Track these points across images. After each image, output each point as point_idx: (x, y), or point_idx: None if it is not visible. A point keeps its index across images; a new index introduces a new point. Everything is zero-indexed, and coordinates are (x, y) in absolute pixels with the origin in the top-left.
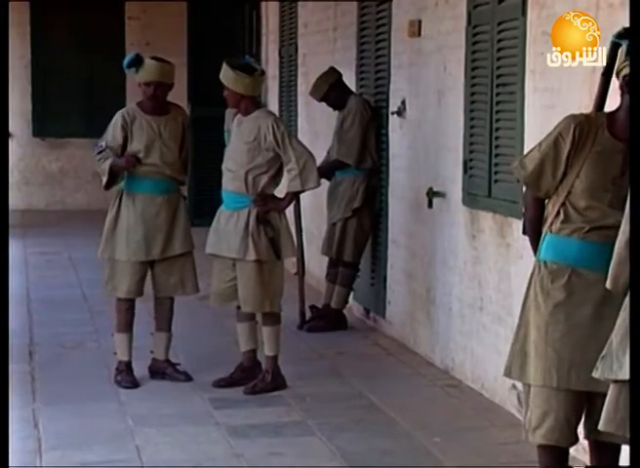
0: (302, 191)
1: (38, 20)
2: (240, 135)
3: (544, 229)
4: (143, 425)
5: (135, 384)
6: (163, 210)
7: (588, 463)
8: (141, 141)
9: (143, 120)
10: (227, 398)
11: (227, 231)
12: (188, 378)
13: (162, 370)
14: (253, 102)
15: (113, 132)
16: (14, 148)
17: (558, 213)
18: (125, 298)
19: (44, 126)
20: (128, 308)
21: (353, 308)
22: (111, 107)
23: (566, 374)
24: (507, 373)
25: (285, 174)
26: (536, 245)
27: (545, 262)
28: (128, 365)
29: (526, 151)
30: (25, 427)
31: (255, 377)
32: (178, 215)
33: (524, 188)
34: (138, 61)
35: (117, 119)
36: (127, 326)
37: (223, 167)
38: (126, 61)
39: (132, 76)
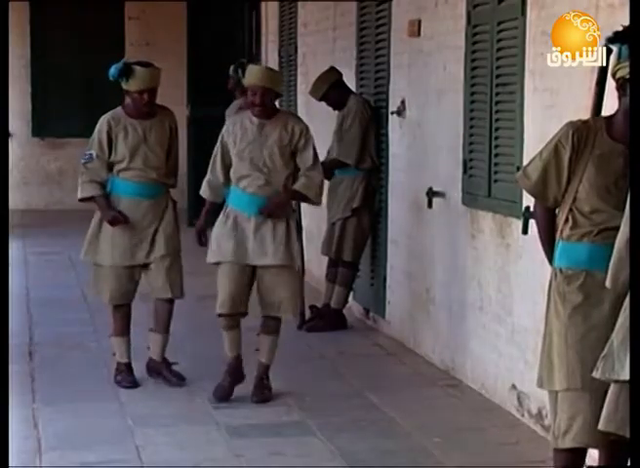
0: (299, 196)
1: (38, 20)
2: (265, 137)
3: (557, 237)
4: (143, 425)
5: (135, 384)
6: (149, 214)
7: (596, 462)
8: (127, 146)
9: (128, 124)
10: None
11: (261, 238)
12: (181, 380)
13: (158, 370)
14: None
15: (99, 138)
16: (13, 148)
17: (567, 219)
18: (116, 305)
19: (43, 126)
20: (122, 315)
21: (353, 308)
22: (111, 107)
23: (589, 375)
24: (539, 384)
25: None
26: (550, 254)
27: (561, 269)
28: (128, 365)
29: (526, 153)
30: (25, 427)
31: (242, 374)
32: (164, 219)
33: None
34: (127, 71)
35: (102, 125)
36: (123, 330)
37: (242, 170)
38: (114, 72)
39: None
